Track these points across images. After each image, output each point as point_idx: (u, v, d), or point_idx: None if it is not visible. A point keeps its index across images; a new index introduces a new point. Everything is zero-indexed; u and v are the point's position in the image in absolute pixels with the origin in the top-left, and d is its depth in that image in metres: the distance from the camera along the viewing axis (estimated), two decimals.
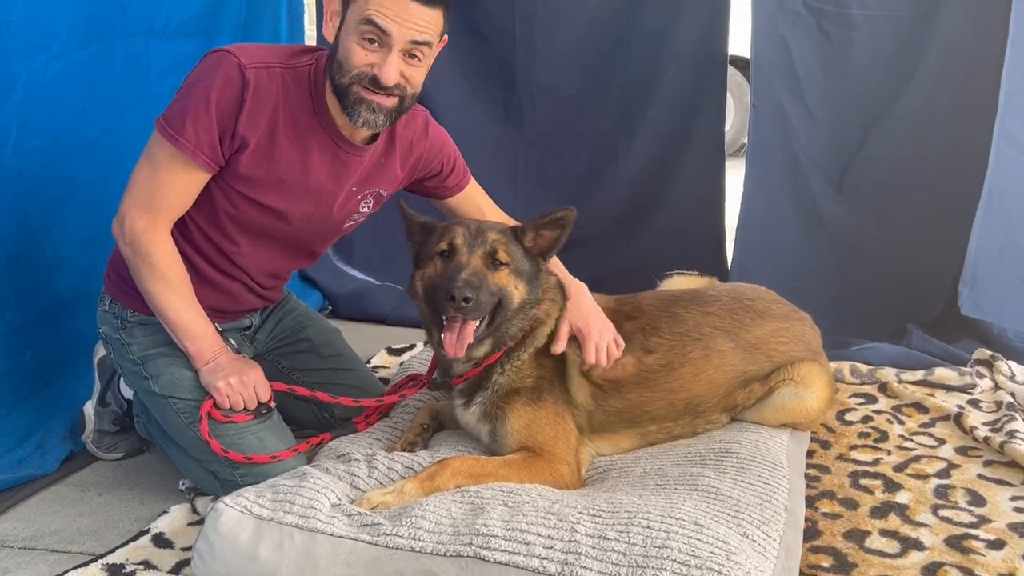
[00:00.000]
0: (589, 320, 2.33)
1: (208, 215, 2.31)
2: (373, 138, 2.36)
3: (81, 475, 2.60)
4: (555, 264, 2.48)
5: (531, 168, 4.31)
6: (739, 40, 3.95)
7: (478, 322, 2.17)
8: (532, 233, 2.29)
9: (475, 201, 2.67)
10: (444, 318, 2.16)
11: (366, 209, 2.51)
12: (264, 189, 2.27)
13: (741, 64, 4.10)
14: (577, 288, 2.42)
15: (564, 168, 4.27)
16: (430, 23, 2.12)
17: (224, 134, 2.16)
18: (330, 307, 4.23)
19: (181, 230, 2.31)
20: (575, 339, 2.34)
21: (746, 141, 3.96)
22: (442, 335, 2.17)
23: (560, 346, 2.31)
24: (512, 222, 2.50)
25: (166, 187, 2.20)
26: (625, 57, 4.03)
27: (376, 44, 2.11)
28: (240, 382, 2.28)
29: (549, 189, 4.21)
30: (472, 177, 2.67)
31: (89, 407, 2.67)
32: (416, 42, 2.12)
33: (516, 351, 2.31)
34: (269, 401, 2.36)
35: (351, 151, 2.33)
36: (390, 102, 2.18)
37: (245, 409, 2.31)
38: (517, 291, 2.23)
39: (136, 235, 2.21)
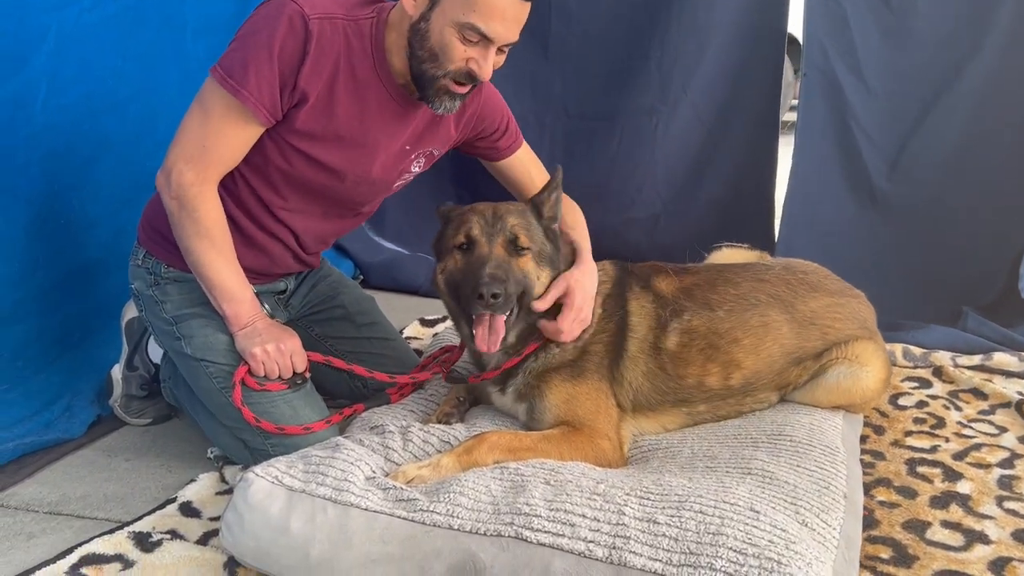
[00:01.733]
0: (578, 291, 2.20)
1: (258, 169, 2.23)
2: None
3: (108, 440, 2.55)
4: (582, 236, 2.39)
5: (557, 148, 4.12)
6: (795, 13, 3.76)
7: (508, 313, 2.10)
8: (548, 202, 2.24)
9: (526, 166, 2.58)
10: (473, 315, 2.09)
11: (417, 168, 2.44)
12: (321, 145, 2.19)
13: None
14: (586, 259, 2.31)
15: (595, 148, 4.08)
16: (524, 18, 2.10)
17: (285, 87, 2.08)
18: (362, 276, 4.15)
19: (225, 184, 2.22)
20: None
21: (786, 118, 3.79)
22: (473, 331, 2.11)
23: (544, 304, 2.17)
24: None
25: (219, 140, 2.11)
26: (665, 31, 3.84)
27: (476, 42, 2.06)
28: (277, 350, 2.21)
29: (578, 170, 3.99)
30: (524, 141, 2.58)
31: (117, 371, 2.62)
32: (510, 43, 2.11)
33: None
34: (304, 371, 2.28)
35: (408, 106, 2.26)
36: (466, 89, 2.16)
37: (279, 378, 2.23)
38: (540, 278, 2.17)
39: (183, 188, 2.11)
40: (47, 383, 2.56)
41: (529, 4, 2.08)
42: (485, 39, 2.04)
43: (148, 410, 2.63)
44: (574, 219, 2.42)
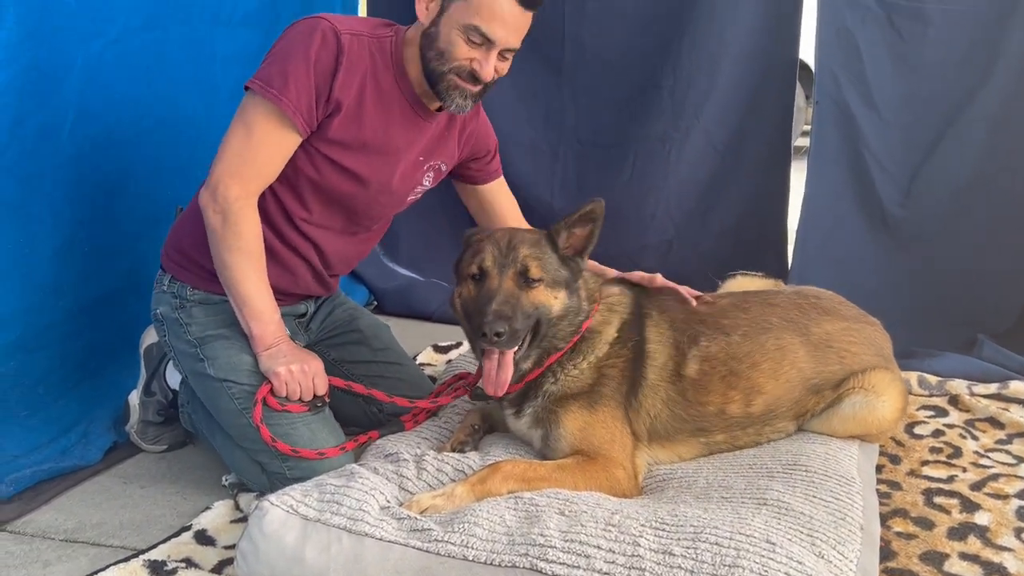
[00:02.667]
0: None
1: (287, 181, 2.32)
2: (440, 108, 2.40)
3: (124, 467, 2.57)
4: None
5: (569, 175, 4.16)
6: (806, 39, 3.78)
7: (518, 347, 2.12)
8: (565, 233, 2.22)
9: (508, 193, 2.77)
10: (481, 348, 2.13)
11: (427, 183, 2.54)
12: (350, 153, 2.31)
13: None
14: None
15: (608, 176, 4.10)
16: (525, 27, 2.27)
17: (320, 97, 2.20)
18: (376, 302, 4.18)
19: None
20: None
21: (799, 144, 3.81)
22: (481, 364, 2.15)
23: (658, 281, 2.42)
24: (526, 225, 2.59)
25: (261, 152, 2.20)
26: (677, 59, 3.87)
27: (479, 44, 2.21)
28: (301, 371, 2.24)
29: (591, 197, 4.03)
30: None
31: (134, 396, 2.64)
32: (512, 48, 2.27)
33: (572, 360, 2.23)
34: (325, 395, 2.31)
35: (426, 117, 2.40)
36: (478, 88, 2.29)
37: (300, 400, 2.26)
38: (556, 301, 2.18)
39: (229, 202, 2.18)
40: (66, 409, 2.58)
41: (531, 14, 2.24)
42: (487, 41, 2.20)
43: (164, 436, 2.65)
44: None
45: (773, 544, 1.68)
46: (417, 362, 3.32)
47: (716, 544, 1.67)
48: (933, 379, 3.10)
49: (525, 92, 4.13)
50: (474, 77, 2.24)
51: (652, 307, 2.37)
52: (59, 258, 2.57)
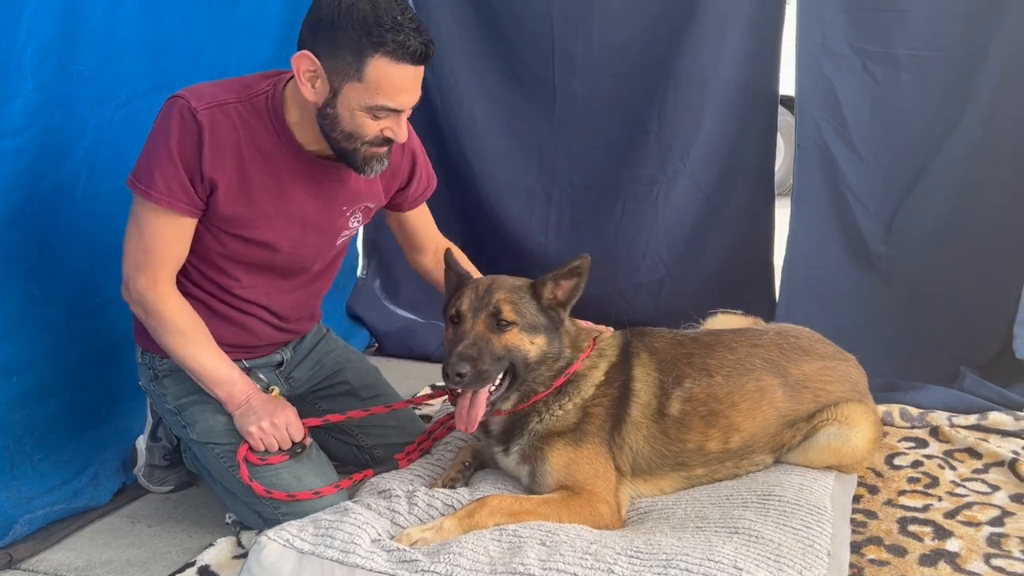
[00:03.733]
0: None
1: (201, 256, 2.34)
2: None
3: (132, 507, 2.67)
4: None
5: (563, 217, 4.30)
6: (789, 79, 3.94)
7: (492, 387, 2.21)
8: (551, 284, 2.29)
9: (424, 215, 2.76)
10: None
11: (355, 224, 2.53)
12: (249, 225, 2.29)
13: (790, 103, 4.09)
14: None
15: (599, 217, 4.24)
16: (421, 79, 2.19)
17: (193, 178, 2.18)
18: (376, 344, 4.30)
19: (187, 274, 2.35)
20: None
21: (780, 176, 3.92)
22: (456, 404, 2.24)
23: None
24: (441, 238, 2.76)
25: (156, 242, 2.23)
26: (661, 105, 4.01)
27: (387, 116, 2.18)
28: (271, 424, 2.31)
29: (583, 239, 4.19)
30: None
31: (141, 441, 2.75)
32: (414, 105, 2.21)
33: (557, 400, 2.31)
34: (303, 440, 2.39)
35: (325, 169, 2.34)
36: (386, 149, 2.27)
37: (280, 450, 2.34)
38: (533, 346, 2.25)
39: (140, 294, 2.26)
40: (76, 453, 2.69)
41: (423, 65, 2.15)
42: (395, 112, 2.17)
43: (170, 478, 2.76)
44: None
45: (740, 569, 1.78)
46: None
47: (686, 570, 1.76)
48: (915, 411, 3.18)
49: (520, 139, 4.29)
50: (388, 141, 2.23)
51: (642, 347, 2.44)
52: (72, 310, 2.69)
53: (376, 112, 2.15)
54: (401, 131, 2.21)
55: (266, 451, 2.32)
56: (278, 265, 2.41)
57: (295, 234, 2.36)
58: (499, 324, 2.21)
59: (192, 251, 2.31)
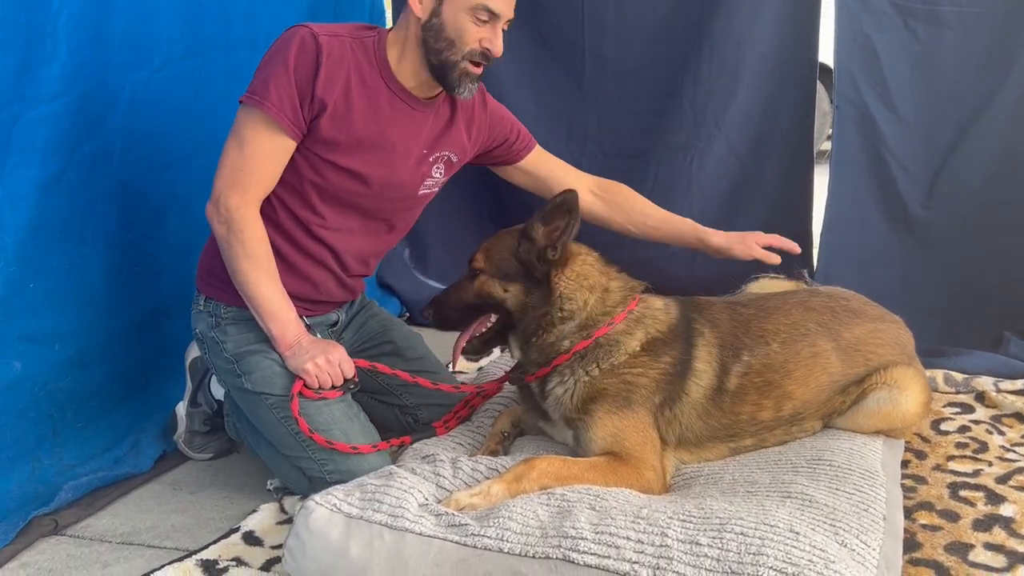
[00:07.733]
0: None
1: (293, 187, 2.39)
2: (433, 97, 2.48)
3: (173, 474, 2.69)
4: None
5: None
6: (825, 47, 3.83)
7: (472, 331, 2.38)
8: (539, 226, 2.25)
9: (547, 159, 2.86)
10: None
11: (439, 175, 2.59)
12: (345, 152, 2.37)
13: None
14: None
15: (631, 186, 4.10)
16: None
17: (303, 98, 2.27)
18: (408, 314, 4.28)
19: (264, 211, 2.37)
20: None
21: (824, 147, 3.84)
22: None
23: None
24: (585, 177, 2.85)
25: (255, 159, 2.29)
26: (696, 68, 3.92)
27: (486, 21, 2.31)
28: (326, 361, 2.34)
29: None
30: (538, 145, 2.85)
31: (181, 408, 2.75)
32: (510, 20, 2.37)
33: (582, 366, 2.26)
34: (354, 377, 2.43)
35: (418, 107, 2.46)
36: (481, 70, 2.39)
37: (333, 386, 2.37)
38: (508, 293, 2.30)
39: (230, 212, 2.29)
40: (118, 421, 2.71)
41: None
42: (493, 16, 2.30)
43: (210, 445, 2.77)
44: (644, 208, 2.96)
45: (797, 533, 1.74)
46: (450, 370, 3.40)
47: (741, 534, 1.73)
48: (959, 376, 3.13)
49: (548, 106, 4.21)
50: (485, 57, 2.34)
51: (704, 324, 2.35)
52: (111, 279, 2.69)
53: (478, 14, 2.29)
54: (497, 42, 2.34)
55: (320, 387, 2.35)
56: (365, 205, 2.48)
57: (386, 171, 2.45)
58: (472, 272, 2.34)
59: (284, 184, 2.38)
